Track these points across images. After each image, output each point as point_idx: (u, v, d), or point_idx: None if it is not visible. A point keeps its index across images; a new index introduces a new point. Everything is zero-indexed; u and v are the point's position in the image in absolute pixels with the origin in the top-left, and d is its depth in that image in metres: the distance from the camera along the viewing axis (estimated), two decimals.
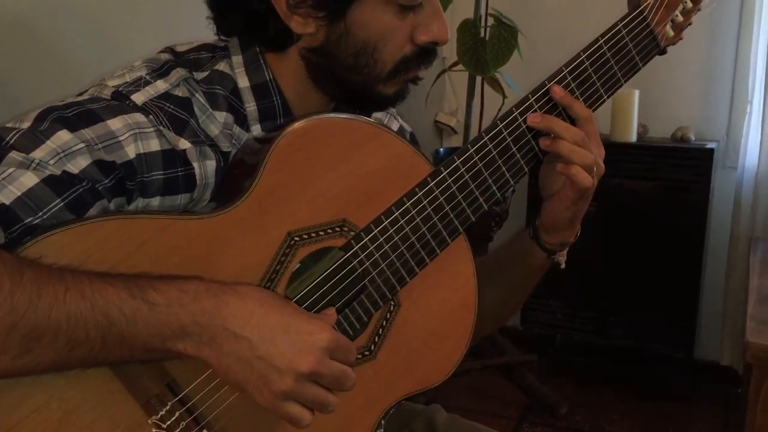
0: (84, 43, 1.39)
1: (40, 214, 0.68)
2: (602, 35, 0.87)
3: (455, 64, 2.22)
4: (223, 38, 0.86)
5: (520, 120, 0.85)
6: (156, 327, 0.67)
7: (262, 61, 0.84)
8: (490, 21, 2.15)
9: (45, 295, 0.63)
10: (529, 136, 0.86)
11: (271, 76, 0.84)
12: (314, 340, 0.71)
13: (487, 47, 2.10)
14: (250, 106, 0.84)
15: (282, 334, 0.70)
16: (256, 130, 0.84)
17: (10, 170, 0.68)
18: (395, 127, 1.03)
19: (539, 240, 0.94)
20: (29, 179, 0.68)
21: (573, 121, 0.87)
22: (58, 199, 0.69)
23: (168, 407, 0.72)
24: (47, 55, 1.32)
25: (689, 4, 0.92)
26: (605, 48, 0.87)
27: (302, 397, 0.71)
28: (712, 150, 2.33)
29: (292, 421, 0.72)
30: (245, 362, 0.69)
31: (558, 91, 0.85)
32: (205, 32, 0.87)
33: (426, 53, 0.85)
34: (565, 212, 0.90)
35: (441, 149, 2.58)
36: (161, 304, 0.67)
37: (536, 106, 0.86)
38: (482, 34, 2.15)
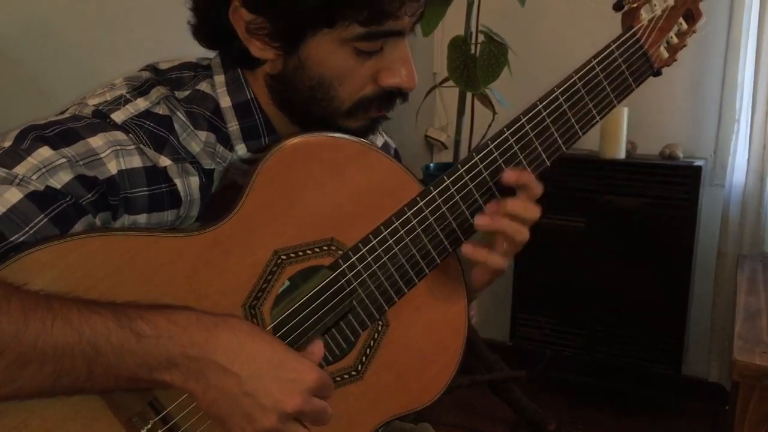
0: (63, 62, 1.38)
1: (26, 229, 0.67)
2: (594, 57, 0.87)
3: (446, 80, 2.22)
4: (203, 46, 0.85)
5: (512, 141, 0.85)
6: (143, 357, 0.66)
7: (243, 81, 0.84)
8: (481, 38, 2.16)
9: (32, 323, 0.62)
10: (520, 157, 0.85)
11: (253, 95, 0.84)
12: (302, 380, 0.71)
13: (477, 64, 2.11)
14: (233, 126, 0.83)
15: (272, 370, 0.70)
16: (241, 149, 0.84)
17: None
18: (379, 142, 1.03)
19: None
20: (13, 195, 0.68)
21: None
22: (42, 215, 0.68)
23: (150, 425, 0.72)
24: (25, 73, 1.31)
25: (684, 26, 0.93)
26: (598, 69, 0.87)
27: None
28: (699, 167, 2.34)
29: None
30: (231, 397, 0.69)
31: (511, 175, 0.83)
32: (187, 49, 0.86)
33: (388, 96, 0.83)
34: (481, 282, 0.88)
35: (431, 164, 2.59)
36: (150, 335, 0.66)
37: (527, 127, 0.85)
38: (472, 51, 2.15)
